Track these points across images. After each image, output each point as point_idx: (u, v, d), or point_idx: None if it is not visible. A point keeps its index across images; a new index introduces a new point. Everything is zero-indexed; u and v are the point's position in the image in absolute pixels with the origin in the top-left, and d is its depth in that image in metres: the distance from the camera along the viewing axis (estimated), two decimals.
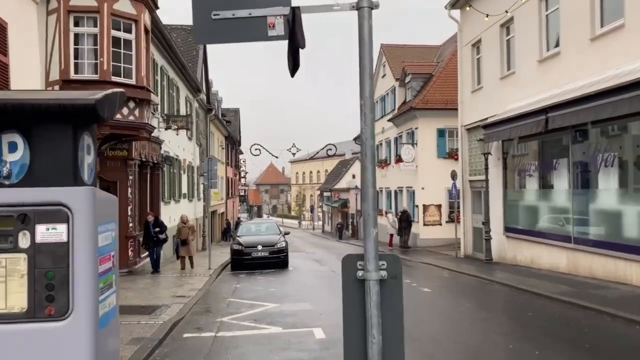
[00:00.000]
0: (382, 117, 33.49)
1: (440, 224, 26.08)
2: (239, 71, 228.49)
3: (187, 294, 11.53)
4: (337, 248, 29.03)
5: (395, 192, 30.06)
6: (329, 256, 22.31)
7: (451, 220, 25.96)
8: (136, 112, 13.41)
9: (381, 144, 33.78)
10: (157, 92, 18.29)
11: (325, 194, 61.11)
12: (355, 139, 40.86)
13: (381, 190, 33.67)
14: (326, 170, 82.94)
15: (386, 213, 32.09)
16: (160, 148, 18.65)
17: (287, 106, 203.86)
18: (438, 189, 25.86)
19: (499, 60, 16.63)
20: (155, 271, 15.02)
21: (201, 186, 27.69)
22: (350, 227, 45.87)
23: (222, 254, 20.99)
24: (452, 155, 25.97)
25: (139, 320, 8.50)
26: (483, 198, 18.33)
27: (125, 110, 13.20)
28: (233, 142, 49.18)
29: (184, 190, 23.66)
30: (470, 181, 19.47)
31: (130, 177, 14.98)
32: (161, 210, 18.66)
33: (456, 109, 25.71)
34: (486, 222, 16.89)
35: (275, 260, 16.87)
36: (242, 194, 65.42)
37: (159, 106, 18.41)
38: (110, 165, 14.60)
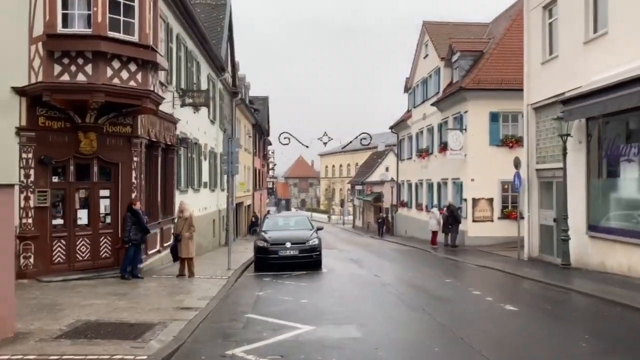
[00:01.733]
0: (423, 102, 30.50)
1: (492, 221, 22.99)
2: (268, 59, 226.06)
3: (196, 305, 8.96)
4: (373, 245, 26.22)
5: (439, 184, 27.04)
6: (367, 255, 19.54)
7: (505, 216, 22.94)
8: (138, 77, 10.88)
9: (422, 131, 30.77)
10: (172, 63, 15.80)
11: (356, 187, 58.27)
12: (391, 128, 37.88)
13: (421, 183, 30.70)
14: (357, 164, 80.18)
15: (426, 208, 29.16)
16: (176, 128, 16.17)
17: (319, 97, 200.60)
18: (490, 180, 22.79)
19: (582, 21, 13.51)
20: (132, 276, 11.60)
21: (224, 175, 25.30)
22: (384, 222, 42.91)
23: (247, 250, 18.45)
24: (507, 142, 22.85)
25: (115, 351, 5.93)
26: (555, 190, 15.29)
27: (124, 74, 10.71)
28: (261, 132, 46.81)
29: (205, 178, 21.20)
30: (537, 170, 16.40)
31: (135, 159, 12.50)
32: (175, 199, 16.19)
33: (512, 90, 22.62)
34: (562, 219, 13.84)
35: (307, 261, 14.22)
36: (271, 186, 63.14)
37: (173, 79, 15.92)
38: (111, 144, 12.14)
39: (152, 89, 11.15)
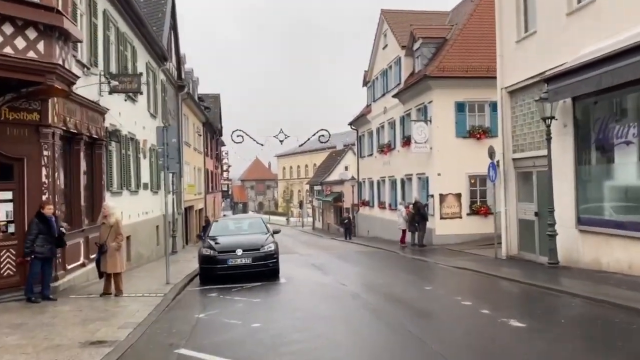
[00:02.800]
0: (383, 94, 28.94)
1: (461, 217, 21.55)
2: (218, 55, 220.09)
3: (113, 337, 6.79)
4: (336, 248, 24.35)
5: (403, 180, 25.47)
6: (330, 260, 17.62)
7: (474, 212, 21.57)
8: (40, 46, 8.58)
9: (382, 126, 29.19)
10: (97, 43, 13.43)
11: (315, 187, 56.49)
12: (350, 124, 36.22)
13: (383, 180, 29.10)
14: (315, 164, 78.57)
15: (389, 206, 27.60)
16: (104, 119, 13.79)
17: (274, 97, 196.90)
18: (457, 174, 21.36)
19: None
20: (42, 297, 9.37)
21: (170, 175, 22.85)
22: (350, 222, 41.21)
23: (194, 259, 16.20)
24: (475, 133, 21.50)
25: None
26: (536, 180, 13.83)
27: (19, 42, 8.39)
28: (213, 131, 44.22)
29: (145, 179, 18.78)
30: (514, 160, 14.92)
31: (46, 153, 10.13)
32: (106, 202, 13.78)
33: (479, 78, 21.33)
34: (548, 212, 12.33)
35: (261, 270, 12.18)
36: (225, 189, 60.44)
37: (99, 61, 13.55)
38: (12, 134, 9.74)
39: (59, 62, 8.86)
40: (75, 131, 11.77)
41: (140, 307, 8.91)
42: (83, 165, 12.44)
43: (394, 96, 25.53)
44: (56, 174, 10.48)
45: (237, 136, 33.33)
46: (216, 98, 50.00)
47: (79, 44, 12.19)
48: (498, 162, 15.35)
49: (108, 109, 13.91)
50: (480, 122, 21.78)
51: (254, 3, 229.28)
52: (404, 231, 21.75)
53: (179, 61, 27.97)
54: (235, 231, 14.02)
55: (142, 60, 18.99)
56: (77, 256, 11.68)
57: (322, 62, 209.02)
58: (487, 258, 15.54)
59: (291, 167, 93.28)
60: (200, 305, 9.41)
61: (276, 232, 13.87)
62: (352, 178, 37.65)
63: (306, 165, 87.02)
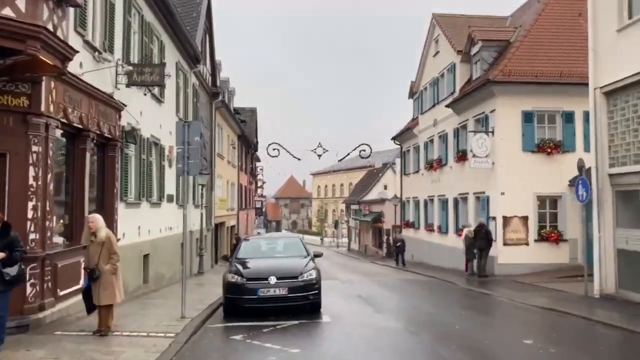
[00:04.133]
0: (433, 105, 26.38)
1: (527, 244, 18.62)
2: (256, 73, 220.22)
3: None
4: (380, 274, 21.64)
5: (456, 200, 22.69)
6: (378, 290, 15.00)
7: (543, 238, 18.63)
8: (20, 2, 6.49)
9: (432, 140, 26.57)
10: (113, 25, 11.45)
11: (352, 207, 53.86)
12: (394, 138, 33.69)
13: (431, 200, 26.36)
14: (351, 183, 76.24)
15: (438, 229, 24.81)
16: (120, 117, 11.75)
17: (313, 114, 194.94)
18: (524, 194, 18.53)
19: None
20: None
21: (198, 188, 20.82)
22: (385, 245, 38.47)
23: (217, 285, 13.89)
24: (544, 147, 18.69)
25: None
26: None
27: None
28: (248, 145, 42.41)
29: (170, 190, 16.68)
30: (611, 176, 12.11)
31: (36, 149, 8.04)
32: (118, 215, 11.69)
33: (550, 84, 18.66)
34: None
35: (300, 304, 9.75)
36: (259, 206, 58.49)
37: (116, 48, 11.56)
38: None
39: (46, 26, 6.75)
40: (80, 126, 9.71)
41: (140, 354, 6.58)
42: (90, 169, 10.33)
43: (447, 106, 22.94)
44: (49, 175, 8.36)
45: (273, 149, 31.28)
46: (253, 112, 48.37)
47: (90, 24, 10.23)
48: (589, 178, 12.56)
49: (125, 105, 11.87)
50: (550, 135, 18.96)
51: (294, 21, 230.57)
52: (467, 259, 18.96)
53: (214, 67, 26.21)
54: (269, 253, 11.63)
55: (172, 58, 17.08)
56: (75, 279, 9.48)
57: (361, 80, 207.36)
58: (572, 296, 12.67)
59: (326, 186, 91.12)
60: (219, 356, 7.00)
61: (317, 255, 11.40)
62: (395, 197, 34.98)
63: (341, 184, 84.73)
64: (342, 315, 9.92)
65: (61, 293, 8.88)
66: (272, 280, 9.60)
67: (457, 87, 23.04)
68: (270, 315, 9.58)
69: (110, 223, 11.40)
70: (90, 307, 7.72)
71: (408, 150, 31.77)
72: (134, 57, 12.98)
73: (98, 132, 10.54)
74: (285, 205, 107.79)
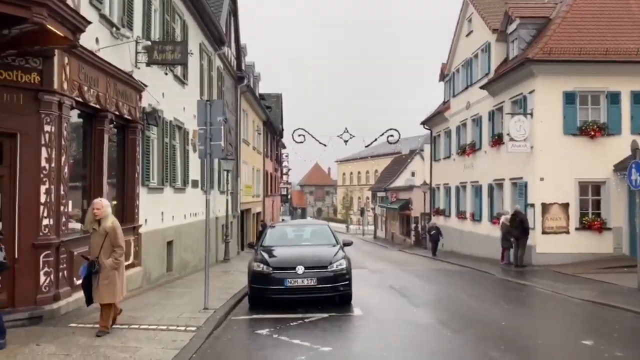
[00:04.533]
0: (466, 87, 25.29)
1: (568, 232, 17.56)
2: (282, 60, 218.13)
3: None
4: (410, 263, 20.88)
5: (491, 186, 21.68)
6: (410, 280, 14.27)
7: (585, 226, 17.56)
8: None
9: (464, 124, 25.51)
10: (134, 2, 10.87)
11: (379, 194, 52.96)
12: (423, 123, 32.64)
13: (464, 186, 25.37)
14: (376, 171, 75.23)
15: (472, 216, 23.87)
16: (140, 98, 11.22)
17: (339, 100, 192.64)
18: (565, 180, 17.48)
19: None
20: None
21: (224, 173, 20.33)
22: (413, 233, 37.61)
23: (242, 273, 13.36)
24: (587, 130, 17.55)
25: None
26: None
27: None
28: (273, 131, 41.86)
29: (195, 175, 16.18)
30: None
31: (47, 128, 7.52)
32: (140, 201, 11.20)
33: (595, 62, 17.47)
34: None
35: (329, 295, 9.10)
36: (285, 193, 58.04)
37: (135, 25, 10.99)
38: (2, 100, 7.18)
39: None
40: (97, 106, 9.18)
41: (157, 351, 6.02)
42: (109, 152, 9.82)
43: (482, 87, 21.84)
44: (63, 157, 7.85)
45: (299, 135, 30.70)
46: (278, 98, 47.79)
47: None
48: None
49: (146, 86, 11.33)
50: (594, 117, 17.79)
51: (320, 8, 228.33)
52: (503, 248, 18.04)
53: (239, 51, 25.58)
54: (296, 241, 10.99)
55: (195, 39, 16.49)
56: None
57: (387, 65, 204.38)
58: (622, 288, 11.71)
59: (351, 173, 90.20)
60: (244, 353, 6.41)
61: (347, 244, 10.73)
62: (425, 183, 34.01)
63: (367, 172, 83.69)
64: (375, 308, 9.23)
65: (78, 282, 8.40)
66: (300, 269, 8.96)
67: (492, 67, 21.91)
68: (298, 307, 8.98)
69: (132, 209, 10.98)
70: (89, 298, 6.95)
71: (438, 135, 30.72)
72: (155, 36, 12.40)
73: (117, 113, 10.02)
74: (310, 193, 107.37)
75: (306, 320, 8.13)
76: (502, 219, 18.42)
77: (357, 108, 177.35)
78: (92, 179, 9.39)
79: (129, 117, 10.70)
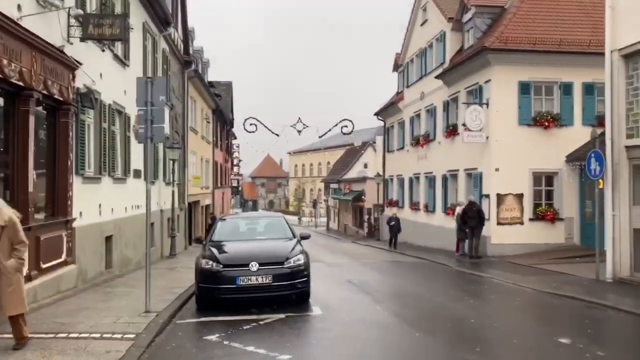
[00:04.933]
0: (420, 78, 25.07)
1: (522, 223, 17.59)
2: (232, 49, 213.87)
3: None
4: (365, 256, 20.45)
5: (445, 177, 21.52)
6: (370, 274, 13.76)
7: (538, 217, 17.61)
8: None
9: (418, 115, 25.30)
10: None
11: (332, 185, 52.59)
12: (377, 114, 32.31)
13: (417, 178, 25.20)
14: (329, 162, 75.05)
15: (425, 207, 23.73)
16: (74, 77, 10.05)
17: (290, 93, 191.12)
18: (519, 170, 17.47)
19: None
20: None
21: (169, 163, 19.16)
22: (366, 225, 37.40)
23: (190, 270, 12.43)
24: (541, 121, 17.58)
25: None
26: None
27: None
28: (224, 121, 40.53)
29: (137, 164, 15.00)
30: (629, 148, 10.99)
31: None
32: (73, 191, 10.07)
33: (550, 53, 17.45)
34: None
35: (286, 294, 8.38)
36: (236, 184, 56.69)
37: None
38: None
39: None
40: (21, 83, 8.02)
41: None
42: (36, 136, 8.67)
43: (437, 77, 21.61)
44: None
45: (250, 125, 29.66)
46: (228, 86, 46.33)
47: None
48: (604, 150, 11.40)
49: (81, 64, 10.16)
50: (548, 108, 17.83)
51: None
52: (458, 239, 17.85)
53: (186, 34, 24.25)
54: (249, 235, 10.17)
55: (138, 18, 15.24)
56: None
57: (339, 56, 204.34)
58: (582, 280, 11.60)
59: (303, 165, 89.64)
60: None
61: (305, 237, 10.02)
62: (378, 175, 33.76)
63: (319, 163, 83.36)
64: (335, 307, 8.58)
65: None
66: (254, 266, 8.18)
67: (447, 57, 21.70)
68: (251, 307, 8.22)
69: (64, 200, 9.85)
70: None
71: (392, 126, 30.46)
72: (91, 9, 11.20)
73: (45, 92, 8.86)
74: (262, 185, 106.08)
75: (261, 322, 7.38)
76: (458, 209, 18.24)
77: (310, 100, 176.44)
78: (16, 168, 8.24)
79: (60, 98, 9.53)
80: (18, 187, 8.22)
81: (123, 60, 13.55)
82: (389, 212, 30.21)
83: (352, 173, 49.31)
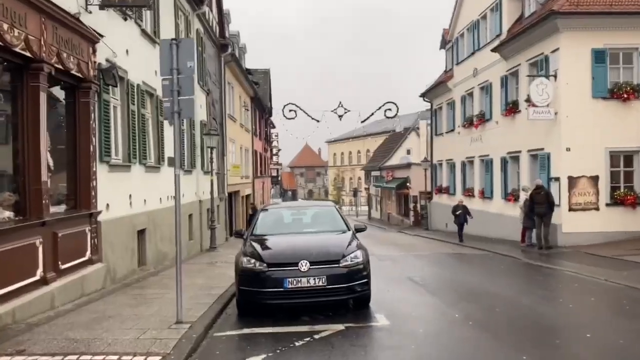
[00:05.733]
0: (472, 53, 23.09)
1: (597, 209, 15.63)
2: (271, 37, 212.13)
3: None
4: (416, 247, 18.83)
5: (504, 160, 19.61)
6: (426, 269, 12.22)
7: (617, 202, 15.62)
8: None
9: (470, 93, 23.38)
10: None
11: (373, 173, 50.87)
12: (422, 95, 30.37)
13: (471, 162, 23.33)
14: (368, 150, 73.22)
15: (481, 193, 21.91)
16: (94, 51, 8.85)
17: (330, 82, 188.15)
18: (594, 150, 15.52)
19: None
20: None
21: (207, 151, 18.02)
22: (412, 213, 35.63)
23: (231, 265, 11.18)
24: (619, 93, 15.52)
25: None
26: None
27: None
28: (262, 109, 39.39)
29: (170, 152, 13.84)
30: None
31: None
32: (97, 181, 8.92)
33: (629, 14, 15.32)
34: None
35: (343, 298, 6.97)
36: (275, 174, 55.70)
37: None
38: None
39: None
40: (28, 54, 6.84)
41: None
42: (54, 119, 7.49)
43: (493, 50, 19.62)
44: None
45: (290, 111, 28.52)
46: (265, 73, 45.19)
47: None
48: None
49: (102, 36, 8.97)
50: (626, 77, 15.73)
51: None
52: (524, 228, 16.03)
53: (222, 15, 23.07)
54: (296, 228, 8.76)
55: None
56: (26, 269, 6.77)
57: (379, 40, 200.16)
58: None
59: (342, 153, 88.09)
60: None
61: (360, 229, 8.57)
62: (425, 160, 31.89)
63: (358, 151, 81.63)
64: (403, 315, 7.08)
65: (3, 291, 6.18)
66: (304, 266, 6.78)
67: (505, 28, 19.68)
68: (301, 315, 6.85)
69: (87, 191, 8.72)
70: None
71: (440, 108, 28.53)
72: None
73: (60, 66, 7.68)
74: (300, 174, 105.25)
75: (315, 336, 5.98)
76: (522, 195, 16.40)
77: (349, 88, 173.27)
78: (26, 154, 7.08)
79: (79, 75, 8.35)
80: (29, 176, 7.07)
81: (152, 37, 12.35)
82: (439, 199, 28.41)
83: (395, 160, 47.43)
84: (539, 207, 15.00)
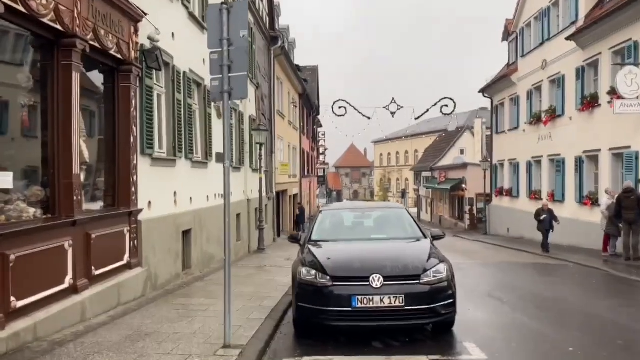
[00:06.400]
0: (541, 44, 21.21)
1: None
2: (314, 26, 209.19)
3: None
4: (478, 254, 17.21)
5: (579, 160, 17.72)
6: (504, 281, 10.71)
7: None
8: None
9: (538, 87, 21.52)
10: None
11: (423, 174, 49.00)
12: (482, 90, 28.50)
13: (538, 162, 21.47)
14: (416, 151, 71.17)
15: (551, 197, 20.04)
16: (136, 30, 7.92)
17: (380, 80, 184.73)
18: None
19: None
20: None
21: (256, 147, 17.05)
22: (467, 216, 33.74)
23: (287, 266, 10.09)
24: None
25: None
26: None
27: None
28: (310, 107, 38.40)
29: (218, 146, 12.88)
30: None
31: None
32: (138, 175, 7.97)
33: None
34: None
35: (424, 322, 5.68)
36: (321, 174, 54.65)
37: None
38: None
39: None
40: (59, 27, 5.91)
41: None
42: (79, 99, 6.55)
43: (568, 38, 17.75)
44: None
45: (339, 108, 27.42)
46: (314, 71, 44.22)
47: None
48: None
49: (146, 14, 8.02)
50: None
51: None
52: (607, 235, 14.23)
53: (272, 6, 22.11)
54: (361, 234, 7.50)
55: None
56: (53, 276, 5.83)
57: (432, 39, 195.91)
58: None
59: (389, 154, 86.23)
60: None
61: (437, 237, 7.24)
62: (485, 160, 30.00)
63: (406, 152, 79.57)
64: (499, 345, 5.71)
65: (24, 302, 5.23)
66: (377, 281, 5.54)
67: (580, 14, 17.80)
68: (373, 340, 5.62)
69: (126, 187, 7.77)
70: None
71: (501, 104, 26.65)
72: None
73: (97, 44, 6.75)
74: (345, 175, 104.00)
75: None
76: (605, 199, 14.57)
77: (401, 84, 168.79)
78: (56, 143, 6.16)
79: (119, 56, 7.43)
80: (59, 168, 6.14)
81: (200, 22, 11.40)
82: (499, 202, 26.54)
83: (447, 160, 45.49)
84: (628, 212, 13.16)
